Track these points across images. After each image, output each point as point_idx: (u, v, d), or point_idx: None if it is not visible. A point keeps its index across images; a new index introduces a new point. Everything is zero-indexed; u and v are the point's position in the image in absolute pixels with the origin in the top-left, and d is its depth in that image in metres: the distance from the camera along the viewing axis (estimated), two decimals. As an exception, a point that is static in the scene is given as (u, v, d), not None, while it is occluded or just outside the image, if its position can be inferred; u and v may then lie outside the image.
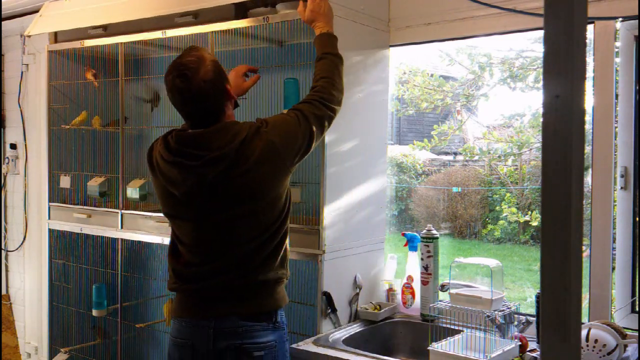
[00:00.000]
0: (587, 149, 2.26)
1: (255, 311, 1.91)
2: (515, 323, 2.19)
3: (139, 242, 3.04)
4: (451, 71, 3.76)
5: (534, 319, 2.24)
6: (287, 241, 2.01)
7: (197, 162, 1.84)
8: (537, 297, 2.23)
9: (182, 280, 1.96)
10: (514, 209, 3.56)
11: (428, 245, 2.51)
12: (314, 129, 1.98)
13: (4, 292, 4.23)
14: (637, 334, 2.06)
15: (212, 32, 2.62)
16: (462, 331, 2.18)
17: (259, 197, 1.89)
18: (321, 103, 2.04)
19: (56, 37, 3.32)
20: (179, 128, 1.98)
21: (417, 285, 2.56)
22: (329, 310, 2.38)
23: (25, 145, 4.12)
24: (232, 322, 1.88)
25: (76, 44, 3.17)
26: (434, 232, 2.53)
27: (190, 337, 1.92)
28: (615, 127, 2.26)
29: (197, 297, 1.94)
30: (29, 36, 3.35)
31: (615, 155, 2.25)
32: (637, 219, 2.30)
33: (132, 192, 2.96)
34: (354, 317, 2.52)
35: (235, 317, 1.88)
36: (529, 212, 3.48)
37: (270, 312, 1.94)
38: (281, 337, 1.97)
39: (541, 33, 1.33)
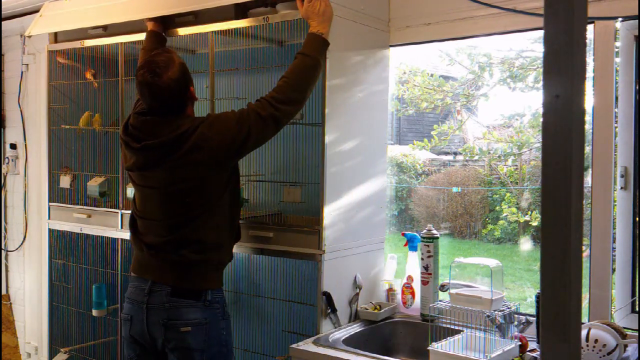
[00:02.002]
0: (587, 149, 2.26)
1: (182, 286, 2.15)
2: (515, 323, 2.19)
3: (139, 242, 3.04)
4: (451, 71, 3.76)
5: (534, 319, 2.24)
6: (222, 234, 2.22)
7: (138, 145, 2.13)
8: (537, 297, 2.23)
9: (135, 242, 2.29)
10: (514, 209, 3.56)
11: (428, 245, 2.51)
12: (252, 127, 2.13)
13: (4, 292, 4.23)
14: (637, 334, 2.06)
15: (212, 32, 2.62)
16: (462, 331, 2.18)
17: (184, 181, 2.13)
18: (270, 103, 2.16)
19: (56, 37, 3.32)
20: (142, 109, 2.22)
21: (417, 285, 2.56)
22: (329, 310, 2.38)
23: (25, 145, 4.12)
24: (160, 297, 2.13)
25: (76, 44, 3.17)
26: (434, 232, 2.53)
27: (129, 311, 2.21)
28: (615, 127, 2.26)
29: (140, 258, 2.26)
30: (30, 36, 3.34)
31: (615, 155, 2.25)
32: (637, 219, 2.30)
33: (132, 192, 2.95)
34: (354, 317, 2.52)
35: (165, 290, 2.14)
36: (529, 212, 3.48)
37: (199, 291, 2.15)
38: (213, 315, 2.15)
39: (541, 33, 1.33)
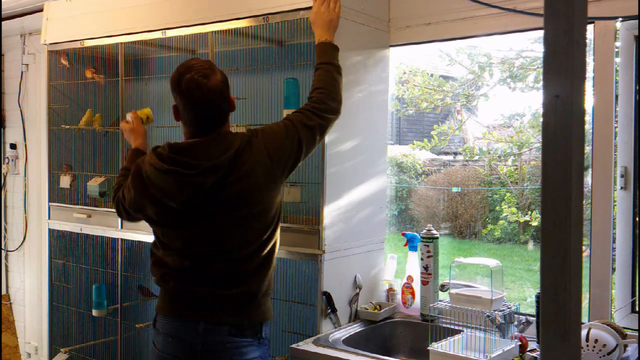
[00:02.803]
0: (587, 149, 2.26)
1: (242, 322, 1.93)
2: (515, 323, 2.19)
3: (139, 242, 3.04)
4: (451, 71, 3.76)
5: (534, 319, 2.24)
6: (275, 255, 2.04)
7: (194, 171, 1.86)
8: (537, 297, 2.23)
9: (172, 280, 1.97)
10: (514, 209, 3.56)
11: (428, 245, 2.51)
12: (302, 138, 2.03)
13: (4, 292, 4.23)
14: (637, 334, 2.06)
15: (212, 32, 2.62)
16: (462, 331, 2.18)
17: (251, 205, 1.92)
18: (313, 113, 2.08)
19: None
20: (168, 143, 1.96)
21: (417, 285, 2.55)
22: (329, 310, 2.38)
23: (25, 145, 4.12)
24: (219, 336, 1.90)
25: (76, 44, 3.17)
26: (434, 232, 2.53)
27: (174, 352, 1.92)
28: (615, 127, 2.26)
29: (186, 298, 1.95)
30: (46, 44, 3.33)
31: (615, 155, 2.25)
32: (637, 219, 2.30)
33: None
34: (354, 317, 2.52)
35: (223, 330, 1.90)
36: (529, 212, 3.48)
37: (256, 326, 1.96)
38: (265, 353, 2.00)
39: (541, 33, 1.33)
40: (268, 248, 1.98)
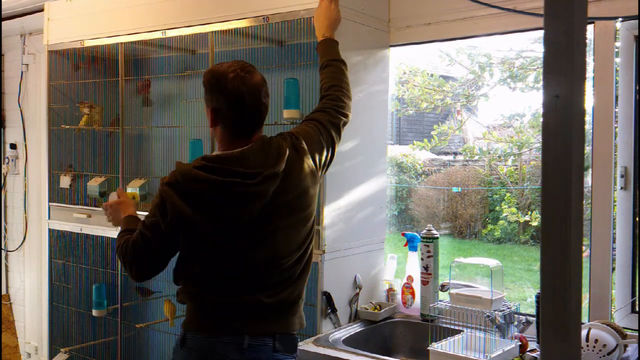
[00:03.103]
0: (587, 149, 2.26)
1: (286, 331, 1.85)
2: (515, 323, 2.19)
3: (139, 242, 3.04)
4: (451, 71, 3.76)
5: (534, 319, 2.24)
6: (312, 260, 1.98)
7: (254, 180, 1.74)
8: (537, 297, 2.23)
9: (211, 292, 1.83)
10: (514, 209, 3.56)
11: (428, 245, 2.51)
12: (334, 137, 2.02)
13: (4, 292, 4.23)
14: (637, 334, 2.06)
15: (212, 32, 2.62)
16: (462, 331, 2.18)
17: (302, 209, 1.86)
18: (335, 111, 2.07)
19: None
20: (204, 157, 1.80)
21: (417, 285, 2.55)
22: (329, 310, 2.38)
23: (25, 145, 4.12)
24: (264, 353, 1.79)
25: (76, 44, 3.17)
26: (434, 232, 2.53)
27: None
28: (615, 127, 2.26)
29: (229, 311, 1.82)
30: (48, 44, 3.33)
31: (615, 155, 2.25)
32: (637, 219, 2.30)
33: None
34: (354, 317, 2.52)
35: (267, 345, 1.80)
36: (529, 212, 3.48)
37: (295, 338, 1.89)
38: None
39: (541, 33, 1.33)
40: (309, 252, 1.92)
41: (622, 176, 2.29)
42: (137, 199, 2.50)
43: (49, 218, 3.33)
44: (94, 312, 3.19)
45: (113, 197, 2.34)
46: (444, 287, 2.43)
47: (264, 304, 1.81)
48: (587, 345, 1.97)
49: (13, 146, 4.19)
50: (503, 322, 2.13)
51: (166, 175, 1.82)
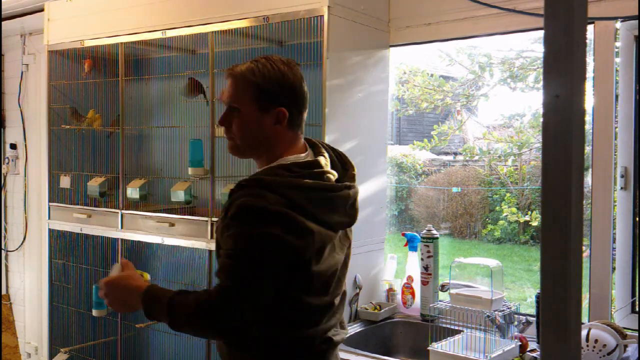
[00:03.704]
0: (587, 149, 2.26)
1: None
2: (515, 323, 2.19)
3: (139, 242, 3.04)
4: (451, 71, 3.76)
5: (534, 319, 2.24)
6: None
7: (341, 185, 1.58)
8: (537, 297, 2.23)
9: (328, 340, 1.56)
10: (514, 209, 3.56)
11: (428, 245, 2.51)
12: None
13: (4, 292, 4.23)
14: (637, 334, 2.06)
15: (212, 32, 2.62)
16: (462, 331, 2.18)
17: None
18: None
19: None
20: (279, 165, 1.56)
21: (417, 285, 2.55)
22: (329, 310, 2.38)
23: (25, 145, 4.12)
24: None
25: (76, 44, 3.17)
26: (434, 232, 2.53)
27: None
28: (615, 127, 2.26)
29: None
30: (48, 44, 3.33)
31: (615, 155, 2.25)
32: (637, 219, 2.30)
33: (132, 192, 2.96)
34: (354, 317, 2.52)
35: None
36: (529, 212, 3.48)
37: None
38: None
39: (541, 33, 1.33)
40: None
41: (622, 176, 2.29)
42: (147, 277, 1.90)
43: (49, 218, 3.33)
44: (94, 312, 3.19)
45: (116, 270, 1.73)
46: (444, 287, 2.43)
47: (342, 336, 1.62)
48: (587, 346, 1.97)
49: (13, 146, 4.19)
50: (503, 322, 2.13)
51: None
